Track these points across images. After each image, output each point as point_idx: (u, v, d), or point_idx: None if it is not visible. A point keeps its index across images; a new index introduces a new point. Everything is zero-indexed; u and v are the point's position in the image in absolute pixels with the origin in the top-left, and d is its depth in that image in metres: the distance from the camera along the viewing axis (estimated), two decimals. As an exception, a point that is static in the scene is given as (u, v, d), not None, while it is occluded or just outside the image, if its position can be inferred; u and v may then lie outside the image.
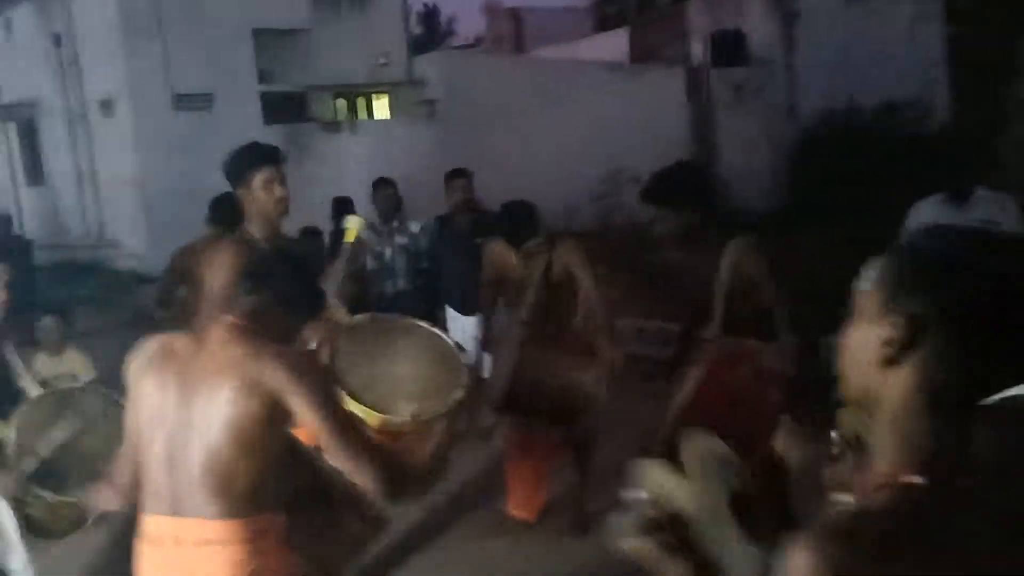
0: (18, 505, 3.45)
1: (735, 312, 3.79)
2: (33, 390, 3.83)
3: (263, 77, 15.30)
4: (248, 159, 3.99)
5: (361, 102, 17.78)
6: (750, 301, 3.84)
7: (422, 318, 4.08)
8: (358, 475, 2.50)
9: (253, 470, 2.44)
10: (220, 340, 2.52)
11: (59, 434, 3.41)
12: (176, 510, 2.46)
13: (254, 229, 3.97)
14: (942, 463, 1.20)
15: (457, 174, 6.62)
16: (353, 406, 3.28)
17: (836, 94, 17.92)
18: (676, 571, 1.44)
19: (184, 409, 2.47)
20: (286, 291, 2.73)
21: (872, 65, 17.66)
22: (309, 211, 8.74)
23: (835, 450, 1.90)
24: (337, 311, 3.88)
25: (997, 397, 1.31)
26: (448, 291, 6.50)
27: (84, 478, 2.97)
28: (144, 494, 2.53)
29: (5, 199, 17.56)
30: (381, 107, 17.84)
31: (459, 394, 3.27)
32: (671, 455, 3.37)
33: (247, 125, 14.69)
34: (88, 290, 13.25)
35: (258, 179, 3.93)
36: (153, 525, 2.50)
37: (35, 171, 17.94)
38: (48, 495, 3.23)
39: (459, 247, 6.36)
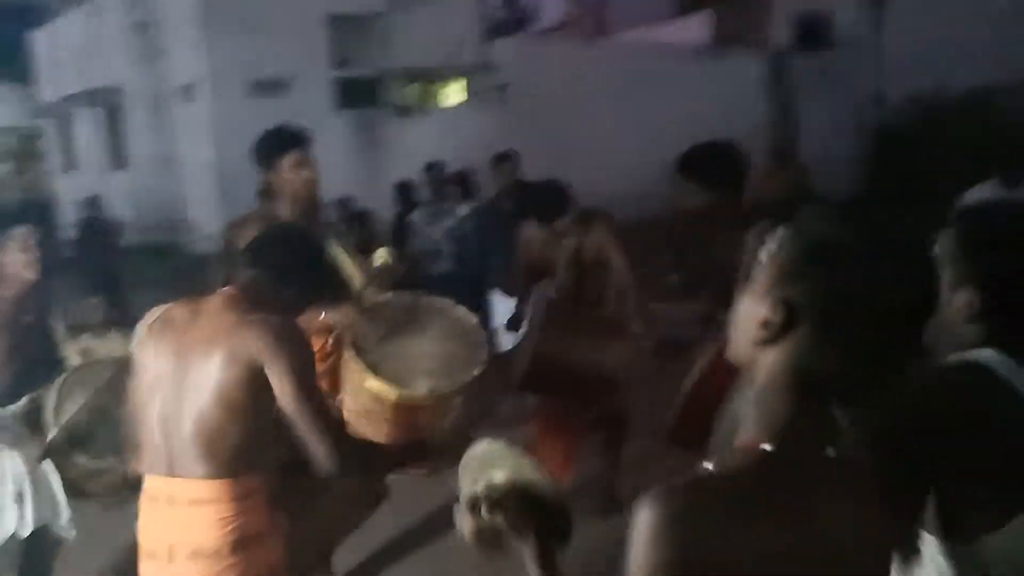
0: (58, 468, 3.61)
1: None
2: (74, 360, 3.91)
3: (337, 63, 15.45)
4: (276, 143, 4.08)
5: (434, 87, 17.84)
6: None
7: (467, 300, 4.11)
8: (312, 445, 2.58)
9: (239, 433, 2.57)
10: (215, 310, 2.67)
11: (74, 405, 3.50)
12: (170, 470, 2.62)
13: (283, 209, 4.07)
14: (795, 436, 1.25)
15: (503, 158, 6.62)
16: (372, 380, 3.40)
17: (925, 79, 17.34)
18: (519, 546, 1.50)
19: (179, 374, 2.63)
20: (285, 268, 2.84)
21: (964, 49, 17.04)
22: (380, 194, 8.84)
23: None
24: (365, 289, 3.97)
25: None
26: (493, 273, 6.50)
27: (120, 445, 3.09)
28: (144, 455, 2.70)
29: (92, 182, 18.12)
30: (454, 92, 17.87)
31: (476, 371, 3.33)
32: (680, 437, 3.29)
33: (320, 111, 14.89)
34: (165, 271, 13.60)
35: (286, 162, 4.03)
36: (151, 484, 2.67)
37: (119, 155, 18.44)
38: (82, 460, 3.37)
39: (504, 230, 6.35)
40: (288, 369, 2.57)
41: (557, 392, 4.72)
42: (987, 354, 1.59)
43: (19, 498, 3.72)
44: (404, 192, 8.58)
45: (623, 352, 4.50)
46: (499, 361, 6.31)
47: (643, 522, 1.20)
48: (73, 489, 3.72)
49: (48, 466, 3.70)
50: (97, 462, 3.38)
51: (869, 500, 1.32)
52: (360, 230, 7.33)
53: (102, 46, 18.36)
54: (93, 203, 10.77)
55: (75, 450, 3.46)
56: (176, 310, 2.76)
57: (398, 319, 3.74)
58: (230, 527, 2.58)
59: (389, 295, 3.94)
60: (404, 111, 15.85)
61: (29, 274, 3.74)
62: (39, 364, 3.90)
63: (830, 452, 1.29)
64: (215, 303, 2.70)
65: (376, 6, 15.52)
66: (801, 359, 1.25)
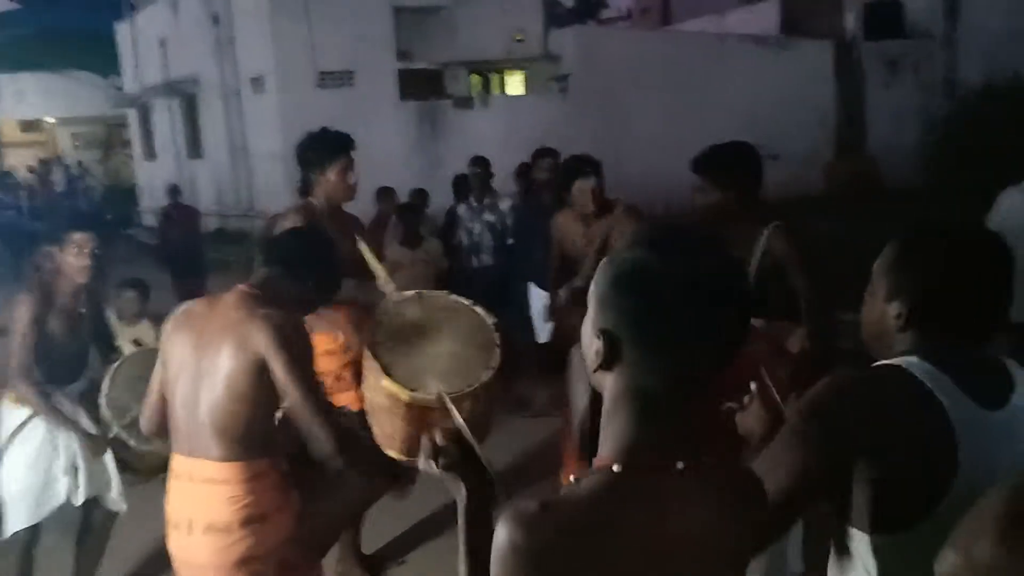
0: (112, 450, 4.00)
1: (767, 293, 3.79)
2: (127, 349, 4.25)
3: (401, 55, 15.72)
4: (327, 148, 4.26)
5: (496, 78, 18.03)
6: (783, 284, 3.85)
7: (505, 293, 4.22)
8: (313, 434, 2.80)
9: (246, 420, 2.80)
10: (229, 305, 2.88)
11: (125, 390, 3.87)
12: (190, 451, 2.88)
13: (321, 205, 4.27)
14: (641, 454, 1.32)
15: (543, 153, 6.76)
16: (385, 381, 3.49)
17: (998, 69, 16.94)
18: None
19: (197, 363, 2.86)
20: (296, 266, 3.04)
21: (1037, 37, 16.64)
22: (442, 185, 9.06)
23: None
24: (387, 286, 4.10)
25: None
26: (531, 267, 6.64)
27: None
28: (172, 436, 2.95)
29: (171, 170, 18.77)
30: (515, 83, 18.04)
31: (486, 376, 3.36)
32: None
33: (384, 101, 15.21)
34: (236, 256, 14.09)
35: (335, 167, 4.21)
36: (176, 462, 2.93)
37: (195, 144, 19.05)
38: (132, 443, 3.70)
39: (542, 224, 6.50)
40: (289, 363, 2.77)
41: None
42: (910, 360, 1.67)
43: (72, 470, 4.05)
44: (459, 185, 8.74)
45: None
46: (537, 351, 6.50)
47: (497, 539, 1.26)
48: (122, 465, 4.11)
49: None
50: (142, 444, 3.68)
51: (723, 508, 1.36)
52: (408, 222, 7.51)
53: (180, 38, 18.96)
54: (174, 191, 11.27)
55: (124, 431, 3.79)
56: (197, 305, 2.99)
57: (416, 318, 3.80)
58: (240, 505, 2.81)
59: (410, 293, 3.97)
60: (466, 102, 16.07)
61: (81, 278, 3.98)
62: (94, 350, 4.25)
63: (679, 465, 1.32)
64: (230, 299, 2.91)
65: (440, -1, 15.78)
66: (634, 381, 1.33)
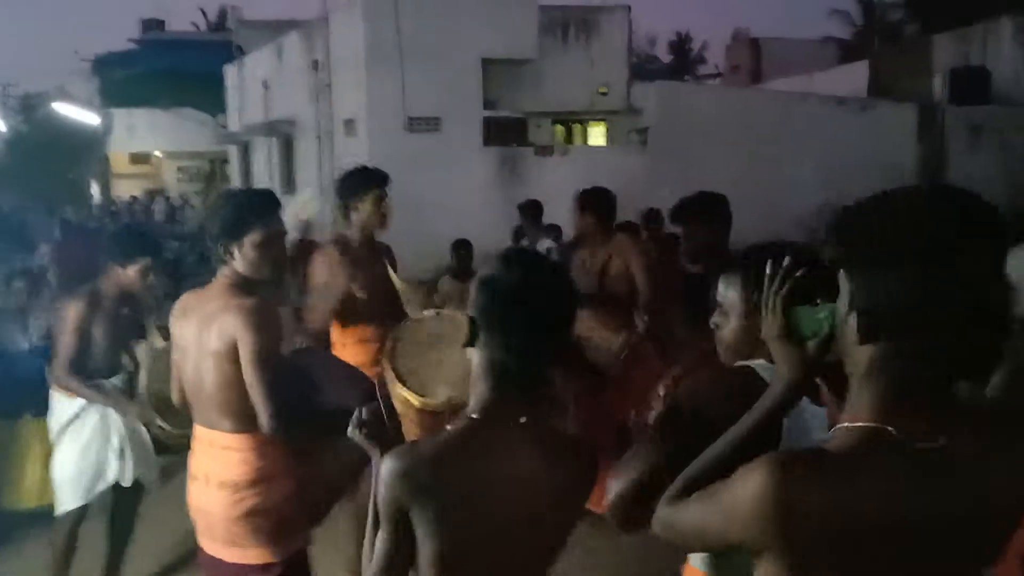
0: (148, 430, 4.45)
1: None
2: (158, 344, 4.64)
3: (487, 103, 16.32)
4: (365, 181, 4.78)
5: (578, 128, 18.52)
6: None
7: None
8: (259, 407, 3.09)
9: (240, 397, 3.12)
10: (213, 293, 3.24)
11: (161, 381, 4.12)
12: (206, 423, 3.28)
13: (354, 234, 4.79)
14: (493, 409, 1.88)
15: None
16: (400, 388, 3.84)
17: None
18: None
19: (197, 347, 3.23)
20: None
21: None
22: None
23: None
24: (410, 305, 4.56)
25: None
26: None
27: None
28: (192, 409, 3.36)
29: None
30: (597, 134, 18.49)
31: None
32: None
33: (468, 147, 15.81)
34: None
35: (370, 198, 4.72)
36: (198, 431, 3.33)
37: (289, 180, 19.95)
38: (166, 426, 4.07)
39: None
40: (250, 343, 3.07)
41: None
42: (759, 363, 2.06)
43: (121, 453, 4.55)
44: (517, 232, 9.31)
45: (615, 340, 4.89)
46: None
47: (380, 470, 1.80)
48: (157, 446, 4.57)
49: (141, 427, 4.55)
50: (177, 428, 4.00)
51: (550, 458, 1.89)
52: (459, 258, 8.07)
53: (282, 81, 19.94)
54: None
55: (161, 417, 4.13)
56: (189, 297, 3.35)
57: (432, 333, 4.08)
58: (249, 466, 3.21)
59: (430, 312, 4.28)
60: (546, 150, 16.58)
61: (134, 289, 4.53)
62: (133, 346, 4.72)
63: (522, 419, 1.89)
64: (213, 288, 3.26)
65: (528, 52, 16.27)
66: (489, 355, 1.91)
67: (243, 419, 3.18)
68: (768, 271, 1.64)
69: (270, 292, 3.48)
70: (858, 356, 1.44)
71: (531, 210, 8.20)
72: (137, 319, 4.76)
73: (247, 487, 3.21)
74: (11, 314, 5.80)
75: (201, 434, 3.33)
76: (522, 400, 1.91)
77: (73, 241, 12.39)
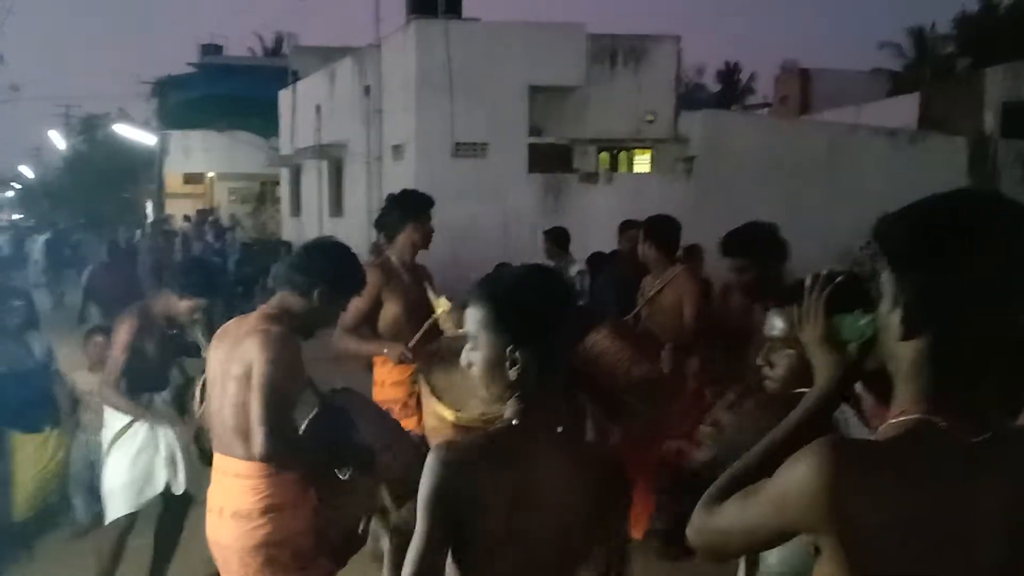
0: (196, 442, 4.46)
1: None
2: None
3: (533, 130, 16.46)
4: (411, 204, 4.88)
5: (623, 156, 18.59)
6: None
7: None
8: (254, 430, 3.14)
9: None
10: (249, 321, 3.33)
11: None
12: (222, 448, 3.35)
13: (395, 257, 4.89)
14: (533, 415, 1.96)
15: (629, 225, 7.20)
16: (435, 403, 3.92)
17: None
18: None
19: (224, 372, 3.30)
20: (300, 284, 3.35)
21: None
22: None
23: None
24: (446, 324, 4.65)
25: None
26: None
27: None
28: (212, 435, 3.46)
29: (312, 227, 19.97)
30: (642, 162, 18.54)
31: None
32: None
33: (513, 172, 15.95)
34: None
35: (415, 222, 4.82)
36: (216, 460, 3.42)
37: (337, 204, 20.23)
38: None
39: (617, 288, 6.90)
40: (261, 368, 3.13)
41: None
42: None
43: (171, 463, 4.66)
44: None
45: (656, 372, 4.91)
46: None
47: (425, 469, 1.85)
48: (206, 458, 4.47)
49: (187, 441, 4.62)
50: None
51: (586, 469, 1.97)
52: None
53: (333, 106, 20.28)
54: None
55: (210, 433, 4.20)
56: (231, 323, 3.42)
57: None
58: (261, 496, 3.24)
59: (462, 330, 4.52)
60: (591, 177, 16.67)
61: (183, 319, 4.62)
62: (182, 362, 4.87)
63: (559, 429, 1.97)
64: (251, 317, 3.34)
65: (576, 79, 16.40)
66: (522, 365, 1.95)
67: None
68: (808, 281, 1.67)
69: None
70: (901, 353, 1.46)
71: (556, 237, 8.33)
72: (186, 338, 4.85)
73: (258, 516, 3.24)
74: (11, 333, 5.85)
75: (217, 462, 3.39)
76: (554, 410, 2.01)
77: (119, 263, 12.72)
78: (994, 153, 18.52)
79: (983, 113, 19.74)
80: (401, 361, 4.55)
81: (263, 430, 3.13)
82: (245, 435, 3.22)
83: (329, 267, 3.41)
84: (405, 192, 5.00)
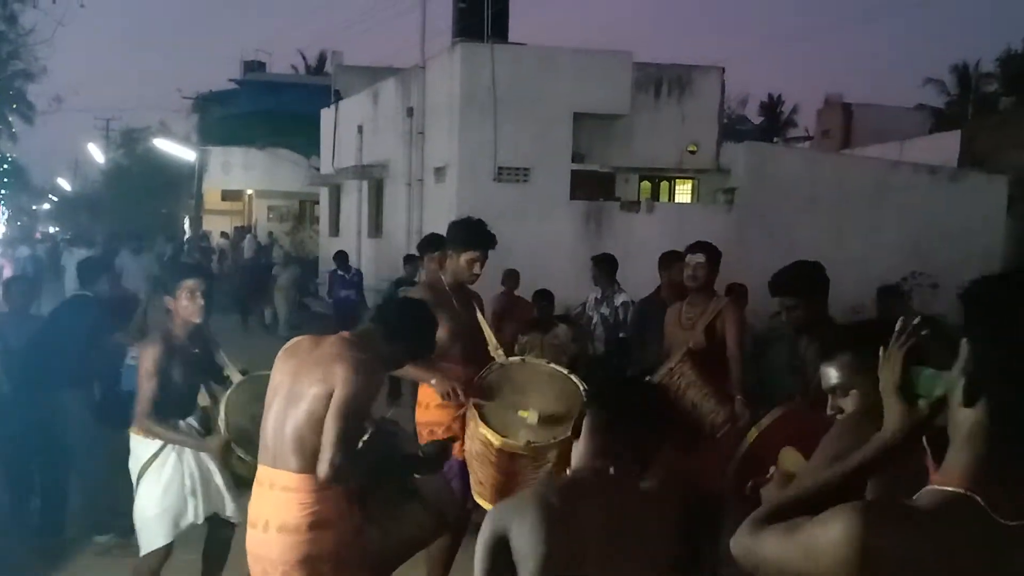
0: (226, 464, 4.49)
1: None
2: (236, 378, 4.72)
3: (576, 156, 16.50)
4: (472, 237, 4.89)
5: (665, 185, 18.59)
6: None
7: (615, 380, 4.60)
8: (324, 450, 3.25)
9: (318, 438, 3.28)
10: (329, 344, 3.42)
11: (238, 413, 4.36)
12: (273, 462, 3.40)
13: (447, 276, 4.94)
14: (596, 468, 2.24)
15: (674, 257, 7.17)
16: (482, 428, 4.05)
17: None
18: None
19: (291, 386, 3.38)
20: (393, 330, 3.56)
21: None
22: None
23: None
24: (497, 351, 4.68)
25: None
26: (645, 358, 6.83)
27: None
28: (260, 449, 3.50)
29: (352, 246, 20.10)
30: (683, 192, 18.53)
31: (569, 432, 3.88)
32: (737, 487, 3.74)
33: (555, 198, 15.98)
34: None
35: (467, 256, 4.83)
36: (261, 471, 3.48)
37: (377, 224, 20.34)
38: (248, 458, 4.12)
39: (657, 320, 6.85)
40: (343, 392, 3.25)
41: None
42: None
43: (194, 493, 4.58)
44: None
45: (721, 411, 4.84)
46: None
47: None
48: (238, 481, 4.56)
49: (213, 463, 4.60)
50: (255, 457, 3.97)
51: (645, 513, 2.15)
52: (541, 308, 8.23)
53: (376, 126, 20.42)
54: (344, 256, 12.87)
55: (240, 449, 4.24)
56: (305, 340, 3.55)
57: (517, 379, 4.31)
58: (309, 510, 3.31)
59: (516, 359, 4.53)
60: (632, 205, 16.67)
61: (195, 318, 4.57)
62: (208, 383, 4.82)
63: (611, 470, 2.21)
64: (331, 340, 3.45)
65: (620, 108, 16.41)
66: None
67: (311, 460, 3.31)
68: (898, 327, 1.69)
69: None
70: (960, 419, 1.49)
71: (606, 264, 8.34)
72: (209, 356, 4.83)
73: (306, 531, 3.31)
74: None
75: (263, 475, 3.45)
76: (618, 460, 2.24)
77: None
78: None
79: (1025, 151, 19.63)
80: (446, 398, 4.53)
81: (337, 449, 3.24)
82: (305, 449, 3.32)
83: (414, 328, 3.66)
84: (473, 222, 5.01)
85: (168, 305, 4.63)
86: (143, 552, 4.60)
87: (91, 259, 8.51)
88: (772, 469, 2.50)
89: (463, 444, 4.39)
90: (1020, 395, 1.42)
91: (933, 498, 1.46)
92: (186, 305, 4.55)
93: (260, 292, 17.94)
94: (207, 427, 4.59)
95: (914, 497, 1.52)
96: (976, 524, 1.41)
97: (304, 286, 20.90)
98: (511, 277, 9.66)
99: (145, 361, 4.49)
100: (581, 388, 4.18)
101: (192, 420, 4.69)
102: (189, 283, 4.56)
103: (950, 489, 1.45)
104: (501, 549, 2.03)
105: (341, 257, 15.31)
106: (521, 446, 3.93)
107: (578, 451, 2.30)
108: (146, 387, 4.46)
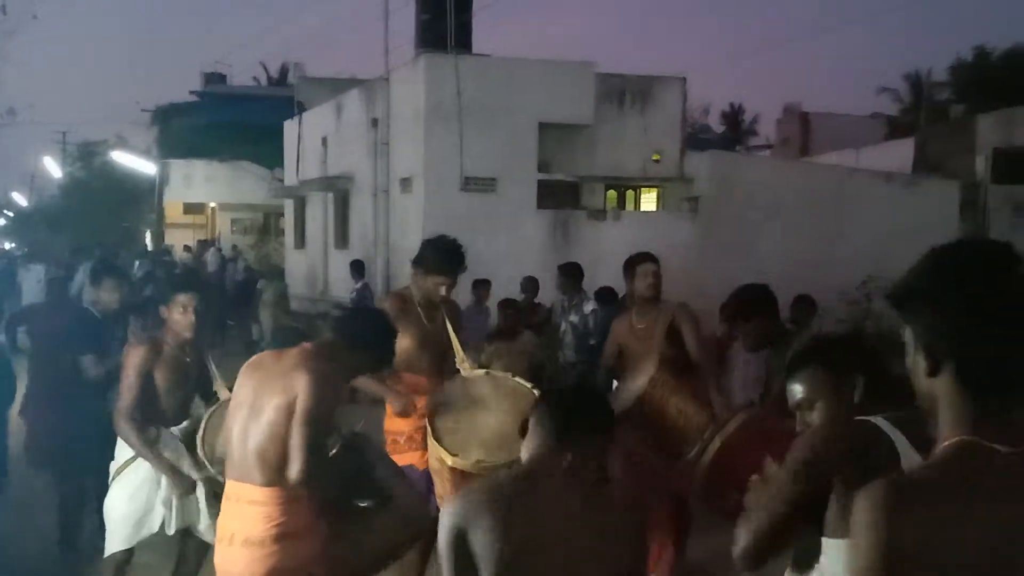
0: (205, 481, 4.48)
1: None
2: (223, 394, 4.57)
3: (542, 166, 16.66)
4: (443, 263, 4.91)
5: (631, 194, 18.82)
6: None
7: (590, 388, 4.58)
8: (292, 457, 3.30)
9: (282, 451, 3.32)
10: (290, 357, 3.46)
11: (217, 432, 4.26)
12: (239, 476, 3.44)
13: (415, 288, 4.99)
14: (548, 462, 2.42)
15: (643, 259, 7.28)
16: (433, 446, 4.03)
17: None
18: None
19: (253, 401, 3.42)
20: (353, 339, 3.60)
21: None
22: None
23: None
24: (462, 364, 4.64)
25: None
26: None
27: None
28: (227, 464, 3.55)
29: (317, 259, 20.08)
30: (649, 200, 18.78)
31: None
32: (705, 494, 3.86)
33: (522, 208, 16.13)
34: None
35: (435, 279, 4.87)
36: (228, 486, 3.52)
37: (343, 236, 20.35)
38: (221, 479, 3.90)
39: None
40: (305, 400, 3.28)
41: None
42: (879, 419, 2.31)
43: (169, 502, 4.55)
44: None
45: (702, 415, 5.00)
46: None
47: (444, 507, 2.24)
48: (216, 498, 4.39)
49: (197, 476, 4.55)
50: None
51: (599, 506, 2.32)
52: (506, 317, 8.34)
53: (340, 138, 20.40)
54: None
55: (216, 467, 4.19)
56: (266, 355, 3.59)
57: (479, 394, 4.25)
58: (274, 523, 3.33)
59: (480, 372, 4.45)
60: (599, 214, 16.88)
61: (186, 333, 4.60)
62: (197, 396, 4.86)
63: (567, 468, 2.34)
64: (292, 352, 3.48)
65: (585, 118, 16.59)
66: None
67: (275, 473, 3.36)
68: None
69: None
70: (932, 390, 1.64)
71: (572, 272, 8.48)
72: (202, 366, 4.83)
73: (271, 543, 3.33)
74: None
75: (231, 490, 3.48)
76: (572, 453, 2.38)
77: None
78: (985, 197, 18.87)
79: (975, 158, 20.13)
80: (403, 414, 4.62)
81: (305, 454, 3.28)
82: (269, 462, 3.34)
83: (374, 338, 3.69)
84: (448, 245, 5.01)
85: (163, 313, 4.69)
86: (105, 555, 4.61)
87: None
88: (755, 477, 2.63)
89: (426, 454, 4.42)
90: (974, 344, 1.57)
91: (942, 453, 1.58)
92: (178, 319, 4.60)
93: (245, 308, 17.72)
94: (192, 439, 4.53)
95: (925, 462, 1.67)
96: (983, 462, 1.53)
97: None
98: (482, 287, 9.74)
99: (129, 362, 4.50)
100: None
101: (175, 430, 4.62)
102: (182, 297, 4.62)
103: (950, 441, 1.58)
104: (462, 543, 2.18)
105: (357, 266, 14.62)
106: (470, 464, 3.91)
107: (528, 444, 2.44)
108: (126, 388, 4.46)
